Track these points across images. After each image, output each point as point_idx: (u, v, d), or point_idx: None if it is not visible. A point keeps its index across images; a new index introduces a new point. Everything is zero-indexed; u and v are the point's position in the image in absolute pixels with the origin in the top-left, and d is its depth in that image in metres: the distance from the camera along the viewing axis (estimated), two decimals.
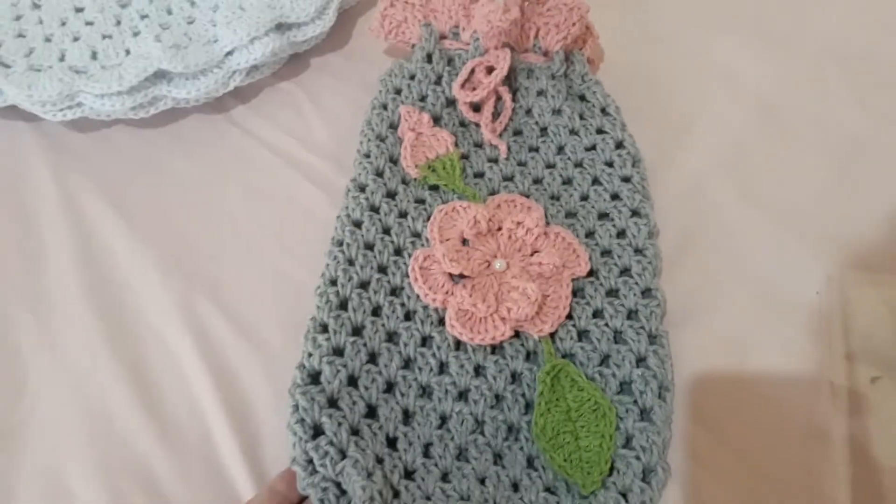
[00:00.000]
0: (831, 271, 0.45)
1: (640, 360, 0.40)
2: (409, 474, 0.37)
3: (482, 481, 0.37)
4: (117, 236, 0.45)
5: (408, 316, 0.41)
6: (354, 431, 0.37)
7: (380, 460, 0.36)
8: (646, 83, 0.52)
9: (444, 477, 0.37)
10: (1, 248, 0.45)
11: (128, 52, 0.48)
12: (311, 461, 0.35)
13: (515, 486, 0.37)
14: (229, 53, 0.49)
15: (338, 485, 0.35)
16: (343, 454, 0.35)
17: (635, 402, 0.39)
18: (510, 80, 0.49)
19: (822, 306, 0.44)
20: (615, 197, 0.46)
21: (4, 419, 0.39)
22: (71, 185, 0.47)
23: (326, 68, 0.53)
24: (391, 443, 0.38)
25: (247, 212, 0.47)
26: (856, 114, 0.52)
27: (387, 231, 0.43)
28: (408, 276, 0.42)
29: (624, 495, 0.36)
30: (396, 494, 0.36)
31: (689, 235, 0.46)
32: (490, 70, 0.47)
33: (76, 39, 0.48)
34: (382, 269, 0.42)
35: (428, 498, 0.36)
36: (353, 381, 0.38)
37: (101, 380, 0.40)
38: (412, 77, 0.49)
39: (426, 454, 0.38)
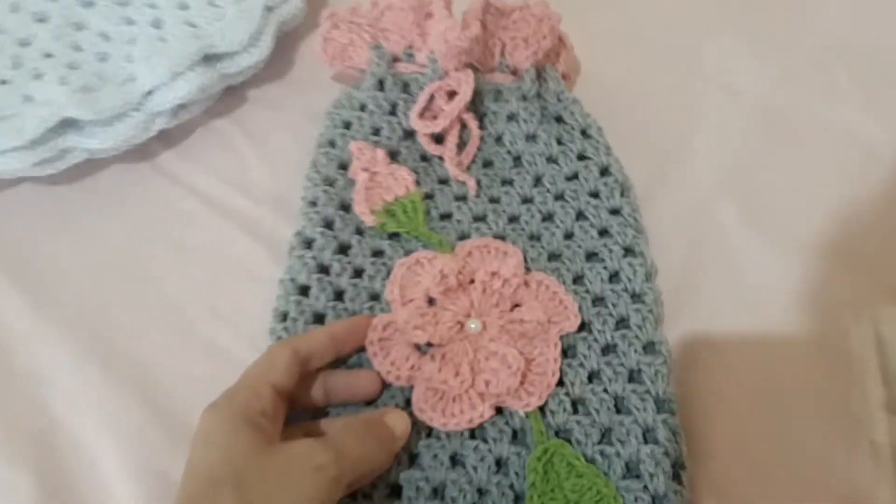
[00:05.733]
0: (859, 303, 0.40)
1: (648, 433, 0.34)
2: None
3: None
4: (21, 317, 0.40)
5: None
6: None
7: None
8: (630, 97, 0.48)
9: None
10: None
11: (28, 98, 0.42)
12: None
13: None
14: (150, 93, 0.43)
15: None
16: None
17: (645, 487, 0.33)
18: (475, 104, 0.44)
19: (851, 348, 0.39)
20: (604, 233, 0.41)
21: None
22: None
23: (266, 101, 0.48)
24: None
25: (177, 276, 0.42)
26: (867, 118, 0.47)
27: (339, 296, 0.38)
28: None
29: None
30: None
31: (692, 271, 0.42)
32: (452, 95, 0.43)
33: None
34: None
35: None
36: None
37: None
38: (363, 107, 0.44)
39: None
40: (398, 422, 0.32)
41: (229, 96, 0.48)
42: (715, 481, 0.35)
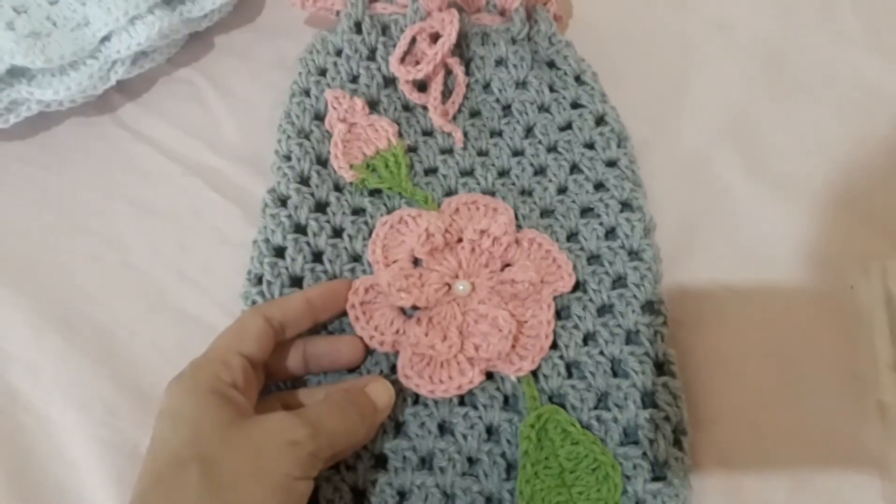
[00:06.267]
0: (867, 258, 0.38)
1: (647, 397, 0.33)
2: None
3: None
4: None
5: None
6: None
7: None
8: (625, 41, 0.45)
9: None
10: None
11: None
12: None
13: None
14: (106, 39, 0.40)
15: None
16: None
17: (644, 454, 0.31)
18: (461, 48, 0.42)
19: (858, 304, 0.37)
20: (599, 186, 0.38)
21: None
22: None
23: (234, 48, 0.45)
24: None
25: (142, 239, 0.39)
26: (874, 59, 0.45)
27: (317, 257, 0.36)
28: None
29: None
30: None
31: (691, 225, 0.40)
32: (435, 38, 0.40)
33: None
34: None
35: None
36: None
37: None
38: (339, 53, 0.41)
39: None
40: (381, 392, 0.30)
41: (194, 43, 0.45)
42: (717, 446, 0.34)
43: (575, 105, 0.40)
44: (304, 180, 0.37)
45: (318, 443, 0.26)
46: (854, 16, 0.46)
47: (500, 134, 0.40)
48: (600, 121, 0.39)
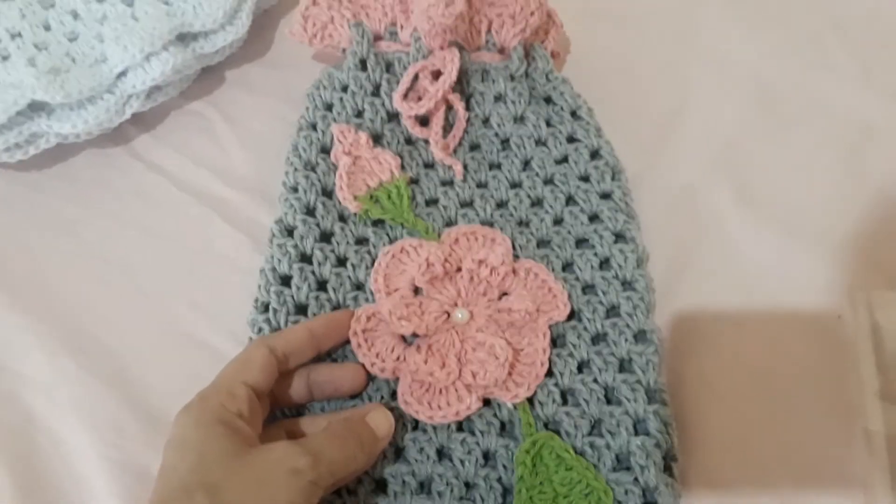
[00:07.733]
0: (853, 288, 0.39)
1: (639, 425, 0.33)
2: None
3: None
4: None
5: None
6: None
7: None
8: (620, 76, 0.46)
9: None
10: None
11: None
12: None
13: None
14: (122, 74, 0.41)
15: None
16: None
17: (636, 480, 0.32)
18: (462, 84, 0.42)
19: (846, 333, 0.38)
20: (594, 218, 0.39)
21: None
22: None
23: (244, 82, 0.46)
24: None
25: (154, 266, 0.40)
26: (864, 93, 0.46)
27: (322, 286, 0.37)
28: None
29: None
30: None
31: (683, 255, 0.41)
32: (437, 75, 0.41)
33: None
34: None
35: None
36: None
37: None
38: (344, 88, 0.42)
39: None
40: (381, 421, 0.31)
41: (206, 78, 0.46)
42: (707, 472, 0.34)
43: (571, 139, 0.41)
44: (310, 211, 0.38)
45: (319, 471, 0.27)
46: (845, 52, 0.47)
47: (498, 167, 0.41)
48: (595, 154, 0.40)
